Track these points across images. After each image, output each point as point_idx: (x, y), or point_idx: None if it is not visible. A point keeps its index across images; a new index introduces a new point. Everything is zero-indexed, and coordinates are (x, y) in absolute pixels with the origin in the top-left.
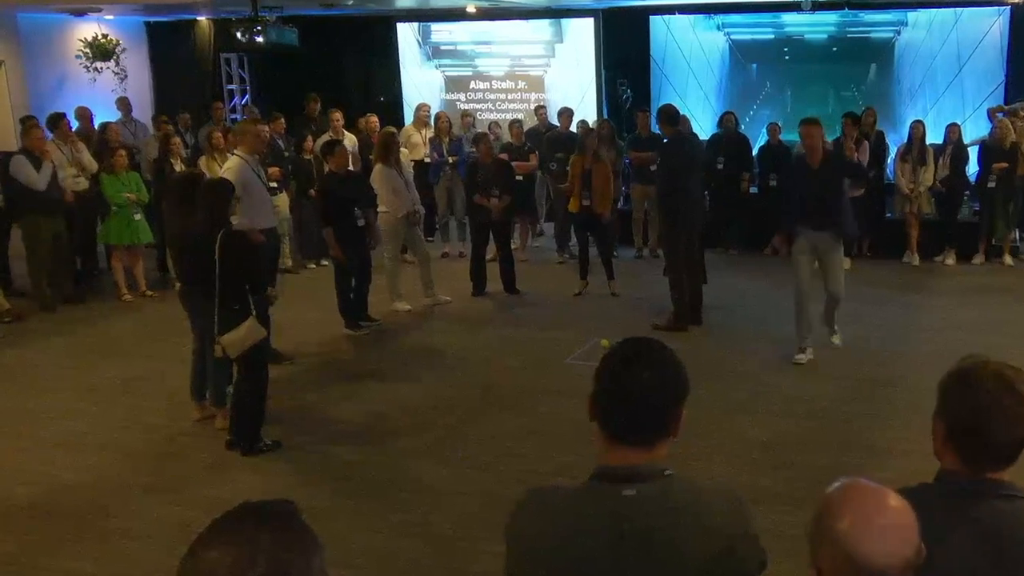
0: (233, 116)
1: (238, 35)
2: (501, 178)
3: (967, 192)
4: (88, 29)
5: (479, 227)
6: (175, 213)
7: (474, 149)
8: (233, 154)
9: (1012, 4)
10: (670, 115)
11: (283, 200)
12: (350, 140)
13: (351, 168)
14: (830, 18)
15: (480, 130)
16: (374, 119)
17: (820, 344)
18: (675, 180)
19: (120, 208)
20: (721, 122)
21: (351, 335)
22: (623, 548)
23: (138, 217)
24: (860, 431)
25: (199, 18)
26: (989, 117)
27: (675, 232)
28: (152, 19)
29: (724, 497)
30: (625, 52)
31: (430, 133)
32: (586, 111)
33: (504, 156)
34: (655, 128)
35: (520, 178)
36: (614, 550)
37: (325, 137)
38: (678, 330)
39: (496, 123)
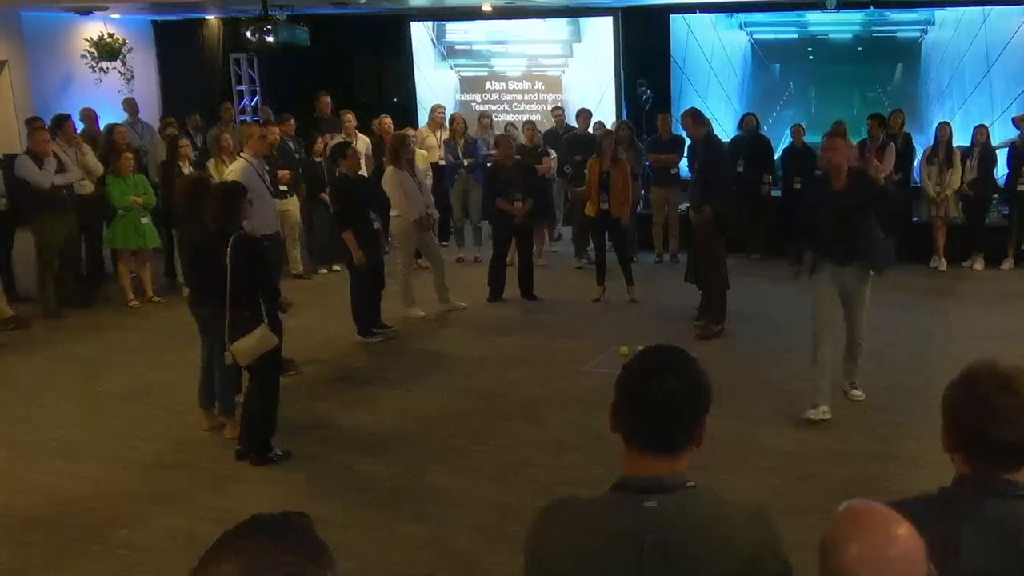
0: (242, 118)
1: (247, 34)
2: (523, 181)
3: (995, 196)
4: (94, 28)
5: (501, 232)
6: (185, 217)
7: (493, 151)
8: (239, 157)
9: None
10: (702, 114)
11: (293, 204)
12: (363, 142)
13: (363, 171)
14: (855, 17)
15: (496, 132)
16: (388, 120)
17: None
18: (716, 181)
19: (126, 212)
20: (742, 124)
21: (364, 342)
22: (644, 561)
23: (145, 221)
24: (886, 441)
25: (208, 17)
26: (1016, 124)
27: (716, 235)
28: (159, 18)
29: (749, 510)
30: (645, 52)
31: (445, 135)
32: (605, 112)
33: (517, 158)
34: (676, 130)
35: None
36: (635, 563)
37: (338, 139)
38: (717, 335)
39: (512, 124)
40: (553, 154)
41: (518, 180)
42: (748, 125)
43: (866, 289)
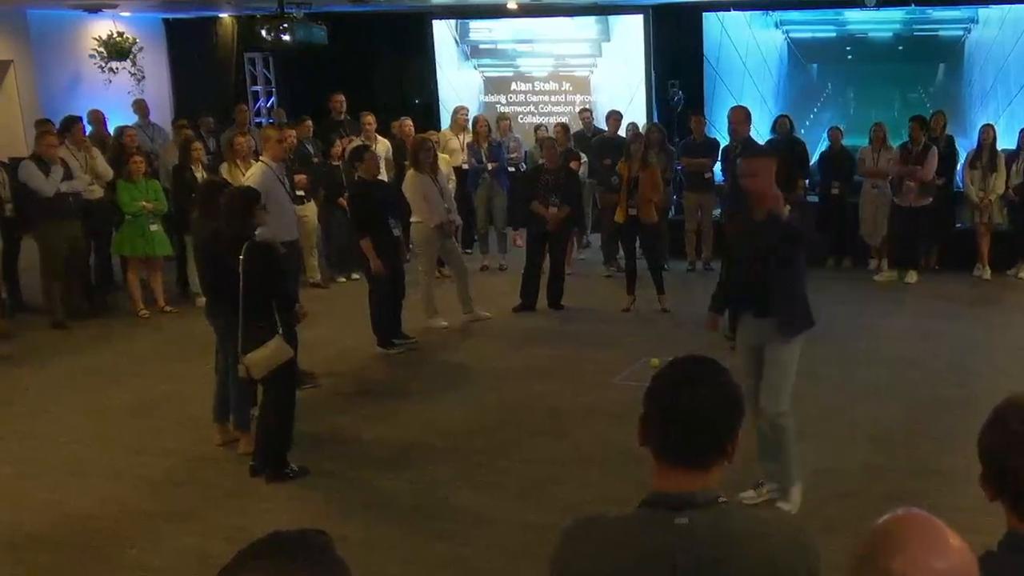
0: (257, 120)
1: (263, 33)
2: (564, 187)
3: None
4: (103, 27)
5: (536, 238)
6: (198, 223)
7: (513, 155)
8: (259, 161)
9: None
10: (749, 114)
11: (311, 210)
12: (383, 145)
13: (384, 175)
14: (896, 15)
15: (517, 135)
16: (408, 123)
17: (828, 377)
18: None
19: (134, 217)
20: (775, 126)
21: (384, 354)
22: None
23: (154, 228)
24: (929, 456)
25: (221, 15)
26: None
27: None
28: (171, 16)
29: (785, 527)
30: (677, 51)
31: (469, 138)
32: (635, 114)
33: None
34: (709, 132)
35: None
36: None
37: (356, 142)
38: None
39: (543, 126)
40: (584, 158)
41: (558, 185)
42: (782, 127)
43: (785, 352)
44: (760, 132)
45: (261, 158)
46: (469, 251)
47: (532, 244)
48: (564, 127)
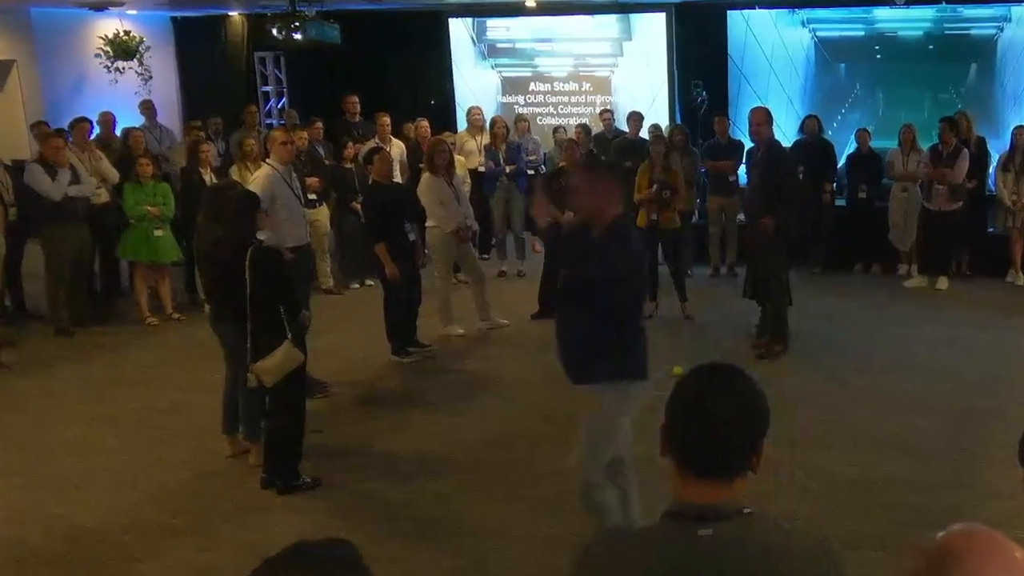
0: (268, 121)
1: (274, 32)
2: None
3: None
4: (109, 25)
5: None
6: (203, 228)
7: (532, 158)
8: (264, 163)
9: None
10: (771, 115)
11: (323, 213)
12: (398, 147)
13: (398, 177)
14: (926, 13)
15: (536, 136)
16: (424, 124)
17: (856, 387)
18: (787, 190)
19: (138, 222)
20: (803, 127)
21: (398, 362)
22: None
23: (159, 233)
24: (960, 468)
25: (231, 13)
26: None
27: (777, 247)
28: (179, 14)
29: (810, 540)
30: (700, 50)
31: (485, 139)
32: (657, 115)
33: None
34: (734, 134)
35: None
36: None
37: (371, 144)
38: (779, 355)
39: (562, 128)
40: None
41: None
42: (810, 129)
43: (599, 412)
44: (786, 133)
45: (267, 161)
46: (486, 256)
47: (549, 249)
48: (585, 128)
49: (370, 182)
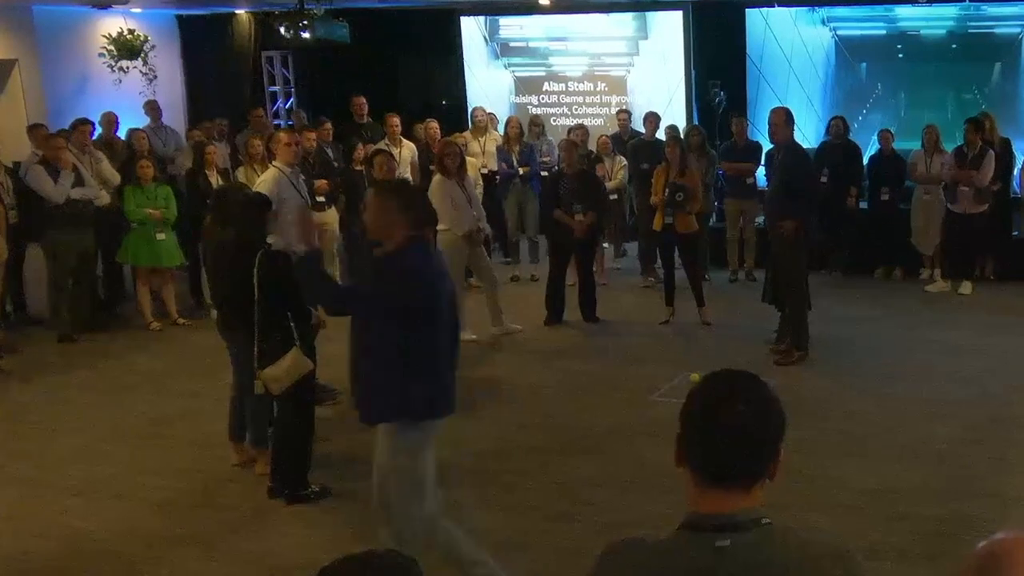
0: (276, 122)
1: (281, 30)
2: (585, 192)
3: None
4: (112, 24)
5: (559, 247)
6: (210, 231)
7: (545, 159)
8: (271, 165)
9: None
10: (791, 116)
11: (332, 216)
12: (408, 148)
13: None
14: (949, 11)
15: (550, 137)
16: (434, 125)
17: (878, 394)
18: (806, 193)
19: (140, 225)
20: (829, 129)
21: None
22: None
23: (162, 237)
24: (984, 477)
25: (237, 11)
26: None
27: (797, 251)
28: (185, 12)
29: (830, 551)
30: (718, 50)
31: (490, 140)
32: (674, 116)
33: (584, 168)
34: (752, 135)
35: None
36: None
37: (380, 145)
38: (798, 361)
39: (580, 125)
40: (623, 162)
41: (580, 191)
42: (836, 131)
43: (389, 453)
44: (806, 135)
45: (273, 163)
46: (508, 260)
47: (555, 253)
48: (584, 129)
49: (368, 184)
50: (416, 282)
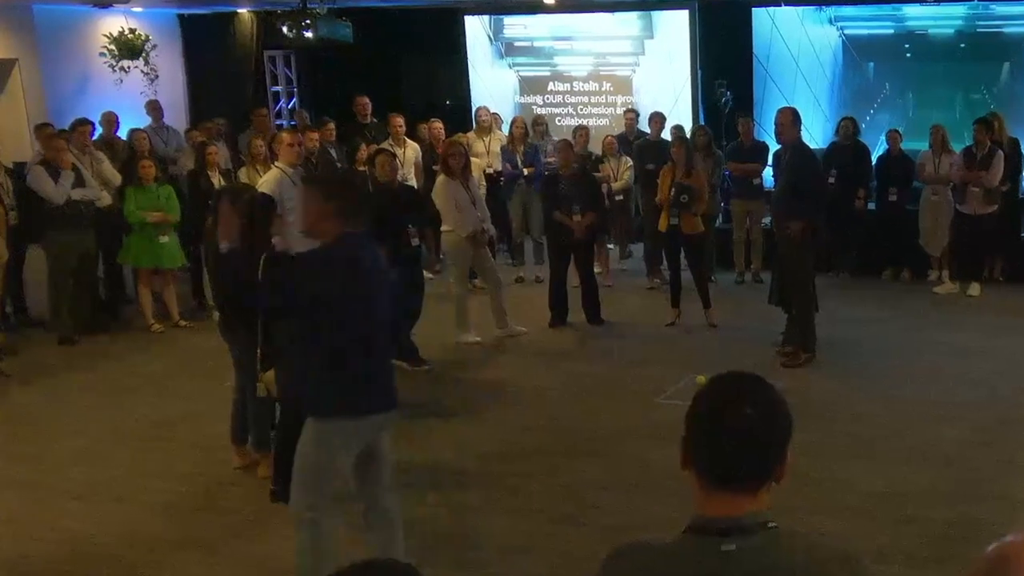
0: (278, 122)
1: (284, 30)
2: (583, 192)
3: None
4: (113, 23)
5: (559, 248)
6: (212, 232)
7: (551, 160)
8: (273, 166)
9: None
10: (798, 116)
11: None
12: (412, 149)
13: (412, 180)
14: (958, 10)
15: (555, 137)
16: (438, 125)
17: (886, 396)
18: (813, 193)
19: (141, 228)
20: (838, 129)
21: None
22: None
23: (165, 239)
24: (992, 480)
25: (240, 10)
26: None
27: (804, 252)
28: (186, 11)
29: (837, 555)
30: (724, 49)
31: (494, 141)
32: (679, 116)
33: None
34: (759, 135)
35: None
36: None
37: (384, 145)
38: (805, 364)
39: (582, 127)
40: (629, 162)
41: (577, 191)
42: (845, 131)
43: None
44: (813, 135)
45: (275, 163)
46: (513, 262)
47: (555, 255)
48: (585, 131)
49: (371, 184)
50: (330, 276)
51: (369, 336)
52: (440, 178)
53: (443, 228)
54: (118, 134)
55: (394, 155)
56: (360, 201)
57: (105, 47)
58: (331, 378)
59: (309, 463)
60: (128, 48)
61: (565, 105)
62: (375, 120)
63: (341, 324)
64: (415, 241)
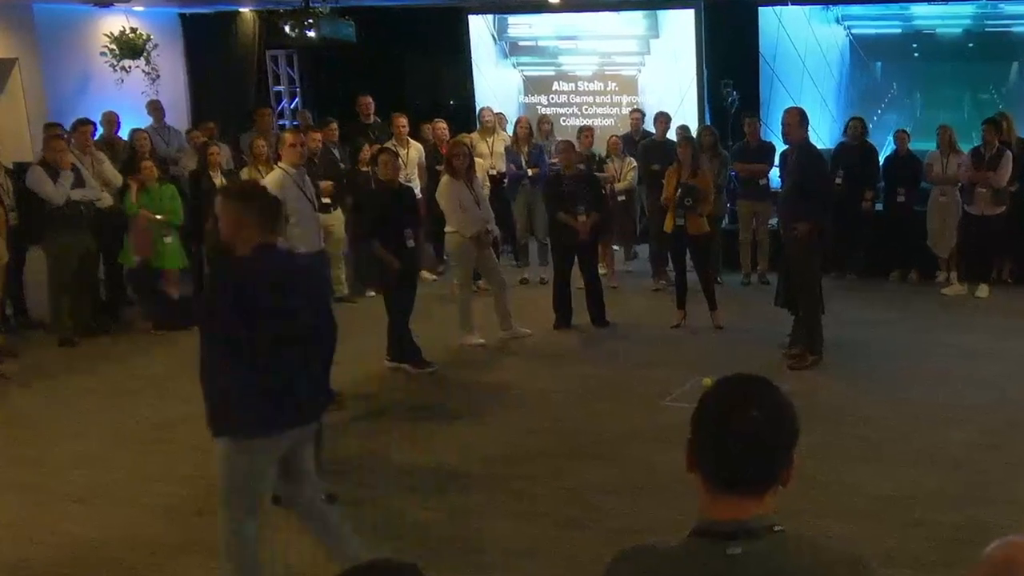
0: (280, 122)
1: (287, 29)
2: (586, 193)
3: None
4: (114, 22)
5: (563, 250)
6: (213, 233)
7: (556, 160)
8: (276, 166)
9: None
10: (805, 116)
11: (337, 219)
12: (416, 149)
13: (416, 181)
14: (966, 10)
15: (559, 137)
16: (442, 125)
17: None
18: (820, 194)
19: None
20: (847, 129)
21: (391, 367)
22: None
23: (168, 240)
24: (1001, 483)
25: (242, 10)
26: None
27: (811, 254)
28: (188, 11)
29: (844, 558)
30: (731, 49)
31: (498, 141)
32: (685, 116)
33: (582, 167)
34: (765, 136)
35: (605, 191)
36: None
37: (388, 146)
38: (812, 366)
39: (587, 127)
40: (633, 163)
41: (581, 192)
42: (854, 132)
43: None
44: (820, 135)
45: (279, 164)
46: (517, 263)
47: (559, 256)
48: (590, 131)
49: (374, 185)
50: (241, 286)
51: (286, 349)
52: (444, 178)
53: (447, 229)
54: (119, 134)
55: (397, 155)
56: (277, 212)
57: (106, 46)
58: (243, 394)
59: (227, 482)
60: (129, 48)
61: (570, 105)
62: (378, 120)
63: (251, 338)
64: (410, 243)
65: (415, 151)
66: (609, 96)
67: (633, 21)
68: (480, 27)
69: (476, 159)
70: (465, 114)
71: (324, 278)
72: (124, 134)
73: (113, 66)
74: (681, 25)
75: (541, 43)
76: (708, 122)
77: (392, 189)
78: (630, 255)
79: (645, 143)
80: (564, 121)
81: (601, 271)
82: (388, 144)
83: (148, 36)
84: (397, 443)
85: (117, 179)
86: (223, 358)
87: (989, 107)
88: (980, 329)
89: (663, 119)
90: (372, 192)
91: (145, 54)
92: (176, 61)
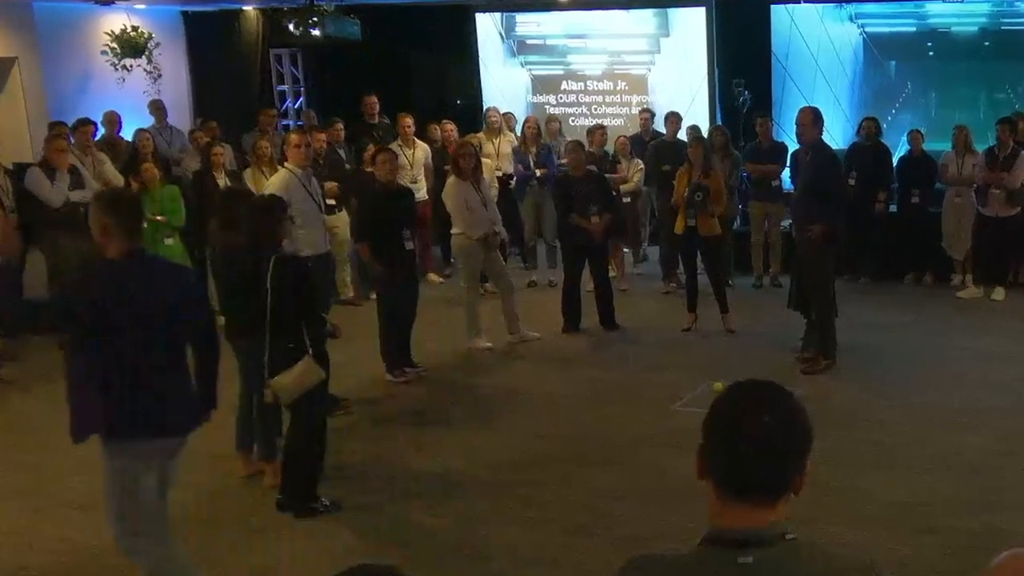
0: (285, 122)
1: (291, 27)
2: (597, 193)
3: None
4: (116, 20)
5: (574, 252)
6: (217, 235)
7: (564, 161)
8: (282, 167)
9: None
10: (820, 116)
11: (342, 220)
12: (422, 149)
13: (421, 182)
14: (981, 7)
15: (568, 137)
16: (450, 126)
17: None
18: (835, 195)
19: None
20: (860, 129)
21: (392, 381)
22: None
23: (170, 242)
24: (1017, 489)
25: (245, 8)
26: None
27: (824, 256)
28: (190, 9)
29: (857, 566)
30: (742, 47)
31: (504, 142)
32: (696, 116)
33: (592, 168)
34: (778, 136)
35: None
36: None
37: (393, 146)
38: (825, 370)
39: (600, 126)
40: (640, 164)
41: (592, 193)
42: (867, 132)
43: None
44: (833, 136)
45: (284, 164)
46: (525, 265)
47: (569, 259)
48: (603, 131)
49: (376, 183)
50: (101, 291)
51: (146, 357)
52: (450, 179)
53: (453, 231)
54: (120, 134)
55: (395, 154)
56: (140, 218)
57: (107, 45)
58: (102, 398)
59: (112, 487)
60: (130, 46)
61: (579, 105)
62: (384, 120)
63: (111, 342)
64: (408, 244)
65: (421, 151)
66: (619, 96)
67: (643, 19)
68: (487, 25)
69: (483, 160)
70: (472, 114)
71: (198, 288)
72: (125, 134)
73: (114, 65)
74: (692, 23)
75: (549, 42)
76: (719, 122)
77: (390, 190)
78: (639, 258)
79: (656, 143)
80: (573, 121)
81: (611, 274)
82: (394, 145)
83: (150, 34)
84: (403, 448)
85: (118, 180)
86: (79, 358)
87: (1005, 107)
88: (996, 332)
89: (674, 119)
90: (370, 193)
91: (147, 53)
92: (178, 60)
